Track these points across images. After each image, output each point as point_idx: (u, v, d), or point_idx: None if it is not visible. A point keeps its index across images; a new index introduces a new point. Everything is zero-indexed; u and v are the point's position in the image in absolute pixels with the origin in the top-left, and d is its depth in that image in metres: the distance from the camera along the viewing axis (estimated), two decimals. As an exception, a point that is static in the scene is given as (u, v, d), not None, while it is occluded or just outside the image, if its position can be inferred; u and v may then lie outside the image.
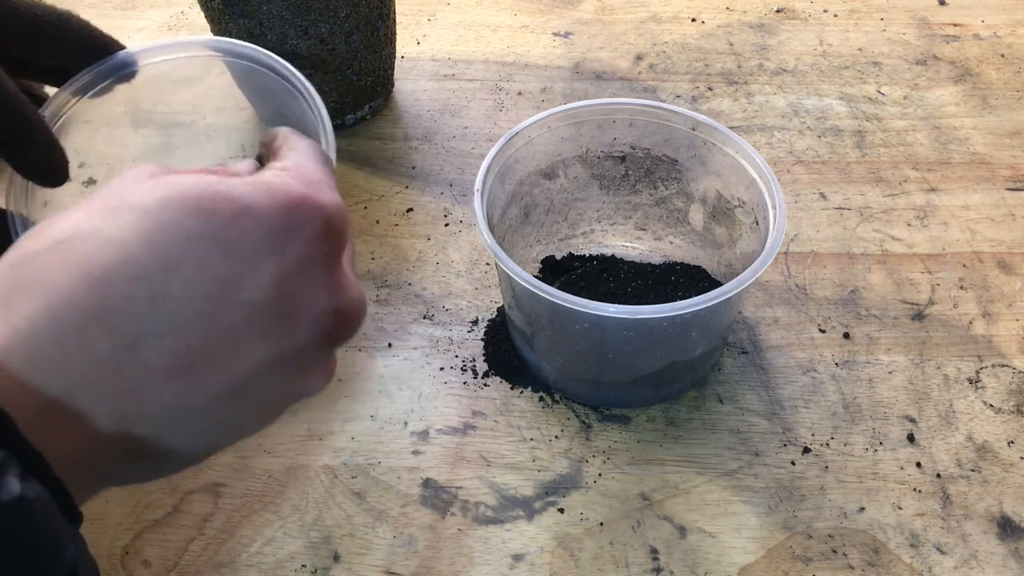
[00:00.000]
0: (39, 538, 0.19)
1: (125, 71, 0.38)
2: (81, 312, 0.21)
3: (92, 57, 0.37)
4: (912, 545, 0.40)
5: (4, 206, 0.36)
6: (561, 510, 0.41)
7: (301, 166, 0.27)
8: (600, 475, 0.42)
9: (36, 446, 0.20)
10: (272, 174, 0.26)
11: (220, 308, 0.23)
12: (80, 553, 0.21)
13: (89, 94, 0.38)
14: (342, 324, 0.27)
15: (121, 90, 0.39)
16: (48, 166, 0.34)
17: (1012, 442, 0.43)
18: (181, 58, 0.40)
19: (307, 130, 0.41)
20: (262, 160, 0.32)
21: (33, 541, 0.19)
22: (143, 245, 0.22)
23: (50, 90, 0.38)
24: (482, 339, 0.48)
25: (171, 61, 0.40)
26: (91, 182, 0.41)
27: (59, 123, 0.37)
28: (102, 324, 0.21)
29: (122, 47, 0.38)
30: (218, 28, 0.55)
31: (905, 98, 0.64)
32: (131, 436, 0.22)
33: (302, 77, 0.38)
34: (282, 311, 0.25)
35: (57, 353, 0.21)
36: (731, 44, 0.69)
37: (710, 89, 0.65)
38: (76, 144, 0.38)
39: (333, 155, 0.37)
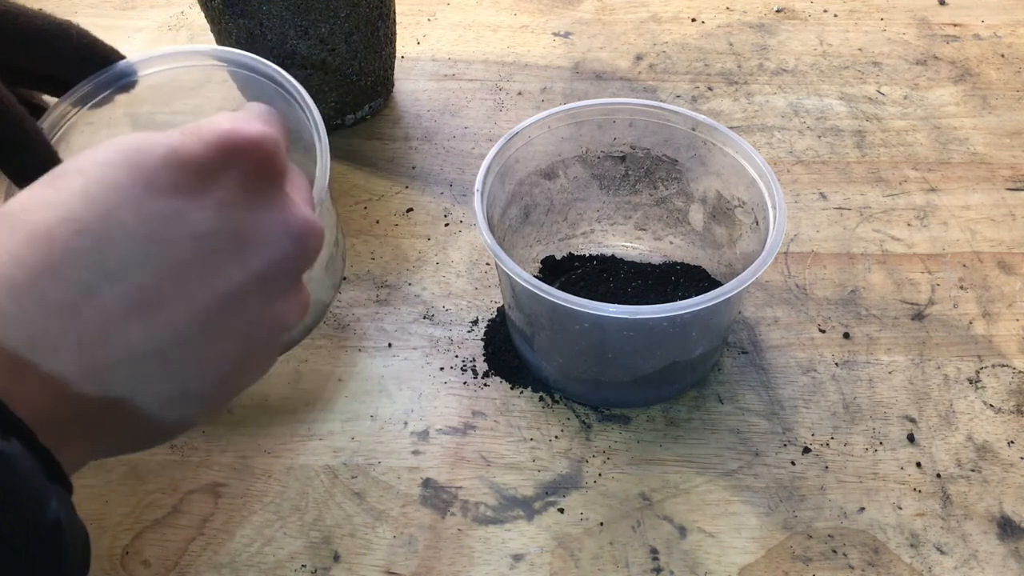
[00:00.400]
0: (19, 493, 0.20)
1: (125, 81, 0.38)
2: (29, 268, 0.21)
3: (92, 67, 0.37)
4: (912, 545, 0.40)
5: None
6: (561, 510, 0.41)
7: (237, 114, 0.28)
8: (600, 475, 0.42)
9: (9, 405, 0.20)
10: (203, 120, 0.27)
11: (165, 246, 0.23)
12: (63, 508, 0.21)
13: (89, 104, 0.38)
14: (296, 245, 0.27)
15: (122, 98, 0.39)
16: None
17: (1012, 442, 0.43)
18: (180, 67, 0.40)
19: (302, 135, 0.41)
20: None
21: (13, 496, 0.19)
22: (81, 201, 0.22)
23: (49, 100, 0.38)
24: (482, 339, 0.48)
25: (171, 70, 0.40)
26: None
27: (59, 134, 0.37)
28: (52, 276, 0.22)
29: (122, 57, 0.38)
30: (218, 28, 0.55)
31: (905, 98, 0.64)
32: (106, 389, 0.23)
33: (295, 82, 0.39)
34: (229, 240, 0.25)
35: (12, 307, 0.21)
36: (731, 44, 0.69)
37: (710, 89, 0.65)
38: (78, 148, 0.39)
39: (326, 159, 0.37)
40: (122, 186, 0.23)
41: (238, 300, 0.25)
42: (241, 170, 0.26)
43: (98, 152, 0.24)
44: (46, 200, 0.22)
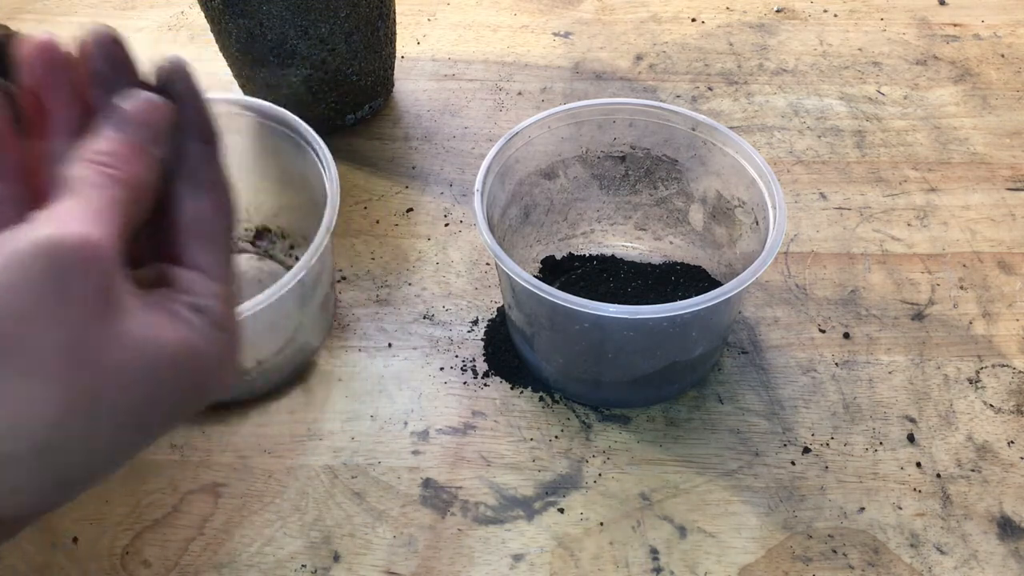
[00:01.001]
0: None
1: None
2: None
3: None
4: (912, 545, 0.40)
5: None
6: (561, 510, 0.41)
7: (227, 311, 0.25)
8: (600, 475, 0.42)
9: None
10: (211, 324, 0.24)
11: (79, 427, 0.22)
12: None
13: None
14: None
15: None
16: None
17: (1012, 442, 0.43)
18: None
19: (308, 178, 0.45)
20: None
21: None
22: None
23: None
24: (482, 339, 0.48)
25: None
26: None
27: None
28: None
29: None
30: (218, 28, 0.55)
31: (905, 98, 0.64)
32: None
33: (311, 130, 0.43)
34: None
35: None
36: (731, 44, 0.69)
37: (710, 89, 0.65)
38: None
39: (335, 204, 0.41)
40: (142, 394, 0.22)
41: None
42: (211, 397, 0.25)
43: (143, 357, 0.22)
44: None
